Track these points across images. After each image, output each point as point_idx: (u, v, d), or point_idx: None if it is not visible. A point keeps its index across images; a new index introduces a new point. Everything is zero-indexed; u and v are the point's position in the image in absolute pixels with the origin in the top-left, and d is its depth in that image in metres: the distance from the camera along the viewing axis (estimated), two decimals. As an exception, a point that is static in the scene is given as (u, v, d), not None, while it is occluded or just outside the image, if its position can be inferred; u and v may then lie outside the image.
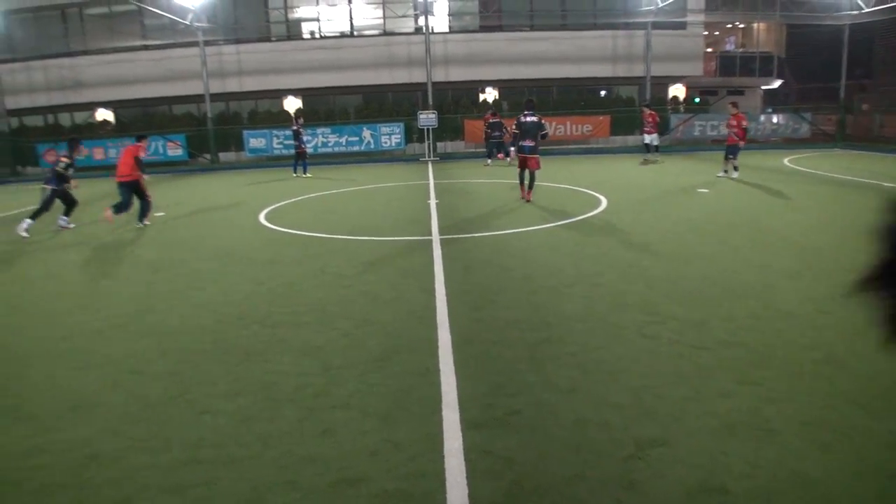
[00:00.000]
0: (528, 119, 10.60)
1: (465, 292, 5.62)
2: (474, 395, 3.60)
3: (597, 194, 11.53)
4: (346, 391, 3.73)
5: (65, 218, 10.61)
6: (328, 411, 3.49)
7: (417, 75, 24.28)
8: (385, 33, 25.20)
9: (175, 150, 24.25)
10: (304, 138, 18.06)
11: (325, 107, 25.74)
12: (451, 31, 25.41)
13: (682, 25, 25.55)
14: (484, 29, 25.33)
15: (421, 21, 23.84)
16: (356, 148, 23.35)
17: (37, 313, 5.76)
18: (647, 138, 18.38)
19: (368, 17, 25.61)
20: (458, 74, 24.97)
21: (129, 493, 2.83)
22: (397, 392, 3.68)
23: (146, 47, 25.67)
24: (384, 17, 25.09)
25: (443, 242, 7.77)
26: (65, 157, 10.39)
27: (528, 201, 10.84)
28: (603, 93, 27.17)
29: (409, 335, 4.63)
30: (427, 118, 21.65)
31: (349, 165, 21.50)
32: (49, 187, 10.18)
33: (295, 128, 17.56)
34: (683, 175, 14.98)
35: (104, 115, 26.89)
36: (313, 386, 3.83)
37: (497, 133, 18.96)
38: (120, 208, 10.17)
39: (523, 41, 24.92)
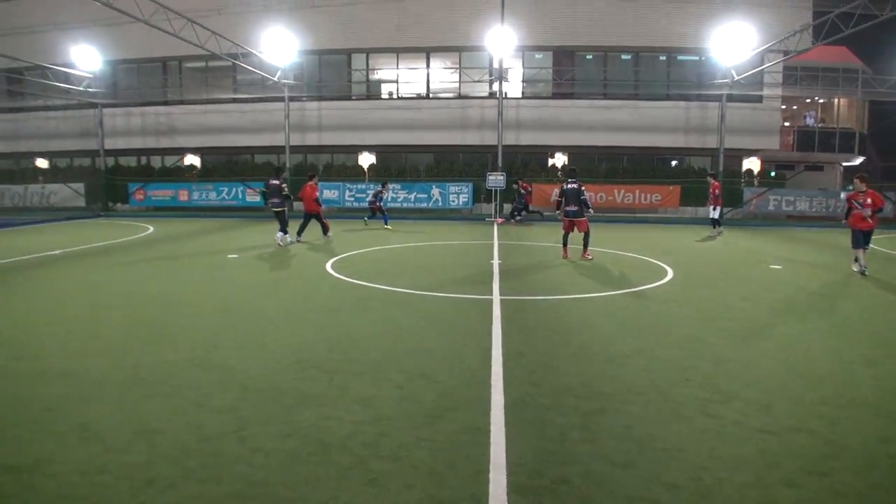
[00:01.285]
0: (570, 186, 11.69)
1: (521, 355, 5.59)
2: (523, 459, 3.54)
3: (662, 264, 11.32)
4: (396, 443, 3.74)
5: (280, 234, 14.05)
6: (376, 461, 3.51)
7: (489, 138, 24.89)
8: (460, 96, 26.08)
9: (253, 197, 25.46)
10: (384, 197, 19.49)
11: (397, 164, 26.64)
12: (524, 96, 26.07)
13: (759, 99, 25.26)
14: (556, 96, 25.86)
15: (495, 86, 24.58)
16: (425, 205, 23.91)
17: (115, 341, 6.10)
18: (713, 212, 17.69)
19: (445, 80, 26.64)
20: (528, 139, 25.46)
21: (179, 523, 2.92)
22: (447, 449, 3.67)
23: (235, 100, 27.47)
24: (460, 82, 26.02)
25: (503, 303, 7.78)
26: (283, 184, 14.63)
27: (589, 259, 11.60)
28: (674, 163, 26.95)
29: (462, 393, 4.62)
30: (495, 180, 22.03)
31: (417, 221, 21.98)
32: (279, 208, 14.31)
33: (380, 191, 19.17)
34: (755, 249, 14.52)
35: (192, 159, 28.72)
36: (364, 435, 3.87)
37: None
38: (299, 231, 14.98)
39: (595, 109, 25.25)
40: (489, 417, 4.12)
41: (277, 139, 26.12)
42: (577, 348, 5.83)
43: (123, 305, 7.83)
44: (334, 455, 3.60)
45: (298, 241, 14.79)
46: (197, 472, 3.39)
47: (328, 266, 10.94)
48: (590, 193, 23.32)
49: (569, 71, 25.56)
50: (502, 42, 21.70)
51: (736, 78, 23.14)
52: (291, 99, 25.63)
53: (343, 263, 11.31)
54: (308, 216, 15.31)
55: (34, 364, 5.39)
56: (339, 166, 26.75)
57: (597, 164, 25.81)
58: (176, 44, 20.13)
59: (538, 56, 26.13)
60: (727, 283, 9.86)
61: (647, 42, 24.84)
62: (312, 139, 26.67)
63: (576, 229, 11.78)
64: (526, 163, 26.02)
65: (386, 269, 10.71)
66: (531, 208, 22.43)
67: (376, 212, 18.87)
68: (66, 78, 26.42)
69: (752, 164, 26.54)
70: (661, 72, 25.87)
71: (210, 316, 7.19)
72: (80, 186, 27.93)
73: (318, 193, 15.56)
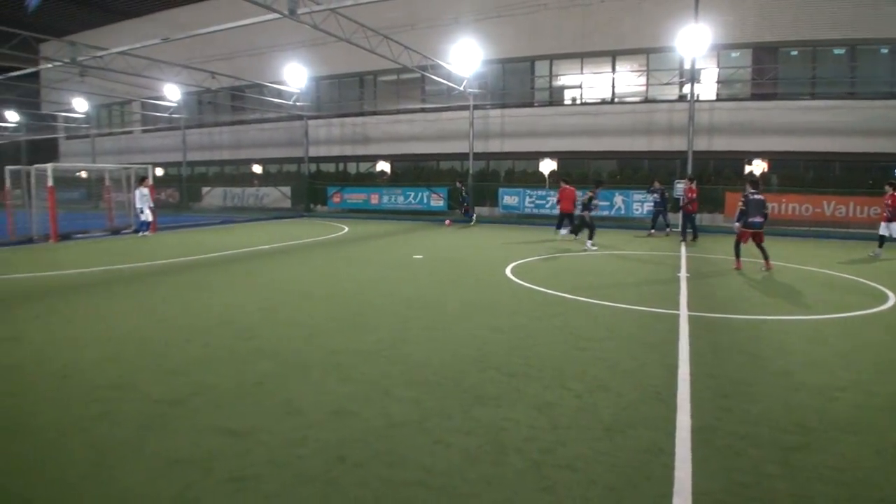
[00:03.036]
0: (756, 197, 11.31)
1: (710, 376, 5.20)
2: (711, 489, 3.29)
3: (882, 287, 9.83)
4: (573, 453, 3.68)
5: (589, 241, 15.18)
6: (553, 469, 3.49)
7: (678, 143, 23.51)
8: (647, 100, 24.98)
9: (437, 202, 26.69)
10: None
11: (578, 170, 26.20)
12: (719, 98, 24.21)
13: None
14: (756, 97, 23.64)
15: (686, 89, 23.17)
16: (606, 213, 23.24)
17: (315, 328, 6.74)
18: (884, 228, 13.97)
19: (631, 84, 25.68)
20: (722, 144, 23.59)
21: (366, 499, 3.17)
22: (626, 466, 3.53)
23: (423, 109, 28.98)
24: (647, 85, 24.92)
25: (690, 319, 7.30)
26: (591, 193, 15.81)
27: (769, 270, 11.19)
28: (902, 171, 23.30)
29: (644, 410, 4.42)
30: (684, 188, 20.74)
31: (597, 230, 21.41)
32: (583, 213, 15.71)
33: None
34: None
35: (383, 166, 30.84)
36: (541, 441, 3.86)
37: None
38: (574, 231, 16.55)
39: (801, 111, 22.65)
40: (674, 439, 3.89)
41: (461, 146, 27.08)
42: (777, 375, 5.29)
43: (322, 297, 8.63)
44: (511, 457, 3.64)
45: (571, 238, 16.65)
46: (383, 456, 3.64)
47: (508, 271, 11.09)
48: (793, 204, 21.14)
49: (770, 69, 23.27)
50: (695, 41, 20.37)
51: None
52: (476, 107, 26.43)
53: (523, 268, 11.39)
54: (563, 215, 16.99)
55: (249, 343, 6.15)
56: (520, 173, 27.01)
57: (802, 171, 23.18)
58: (372, 59, 21.78)
59: (735, 54, 24.08)
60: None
61: (867, 33, 21.77)
62: (495, 146, 27.24)
63: (750, 241, 11.50)
64: (719, 170, 24.15)
65: (566, 276, 10.60)
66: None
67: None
68: (279, 94, 30.02)
69: None
70: (883, 67, 22.53)
71: (397, 311, 7.65)
72: (287, 189, 31.43)
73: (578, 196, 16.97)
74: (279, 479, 3.37)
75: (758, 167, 23.96)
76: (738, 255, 11.65)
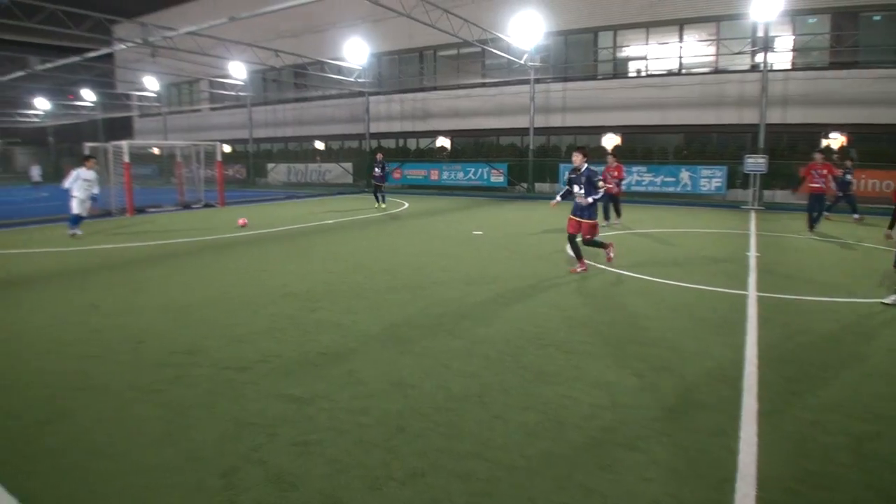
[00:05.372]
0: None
1: (779, 360, 5.00)
2: (777, 475, 3.19)
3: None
4: (634, 433, 3.64)
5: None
6: (612, 447, 3.46)
7: (749, 116, 22.44)
8: (716, 71, 23.87)
9: (497, 178, 26.51)
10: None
11: (643, 145, 25.45)
12: (794, 67, 22.88)
13: None
14: (834, 66, 22.20)
15: (759, 58, 22.01)
16: (671, 189, 22.54)
17: (376, 300, 6.87)
18: None
19: (699, 54, 24.58)
20: (797, 116, 22.35)
21: (423, 468, 3.23)
22: (689, 448, 3.46)
23: (483, 84, 28.66)
24: (717, 55, 23.80)
25: (759, 300, 7.02)
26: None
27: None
28: None
29: (708, 391, 4.31)
30: (755, 163, 19.84)
31: (661, 206, 20.86)
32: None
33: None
34: None
35: (443, 142, 30.79)
36: (601, 419, 3.83)
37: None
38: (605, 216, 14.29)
39: (883, 80, 21.11)
40: (739, 423, 3.78)
41: (521, 121, 26.70)
42: (851, 360, 5.04)
43: (383, 270, 8.76)
44: (570, 434, 3.62)
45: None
46: (442, 428, 3.69)
47: (569, 248, 10.92)
48: (873, 181, 19.85)
49: (850, 36, 21.77)
50: (769, 7, 19.23)
51: None
52: (537, 81, 25.96)
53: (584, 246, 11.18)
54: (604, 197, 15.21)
55: (313, 314, 6.32)
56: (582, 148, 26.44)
57: (885, 145, 21.74)
58: (432, 34, 21.64)
59: (812, 20, 22.62)
60: None
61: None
62: (556, 120, 26.72)
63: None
64: (793, 144, 22.95)
65: (628, 255, 10.35)
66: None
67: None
68: (340, 70, 30.29)
69: None
70: None
71: (457, 286, 7.69)
72: (349, 166, 31.85)
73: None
74: (341, 445, 3.47)
75: (835, 141, 22.66)
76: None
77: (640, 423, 3.77)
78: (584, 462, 3.30)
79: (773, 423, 3.79)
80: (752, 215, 17.63)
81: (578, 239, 8.83)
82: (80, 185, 12.48)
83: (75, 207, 12.47)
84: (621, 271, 8.70)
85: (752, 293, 7.38)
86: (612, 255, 9.27)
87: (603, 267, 9.04)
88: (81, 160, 13.10)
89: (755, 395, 4.20)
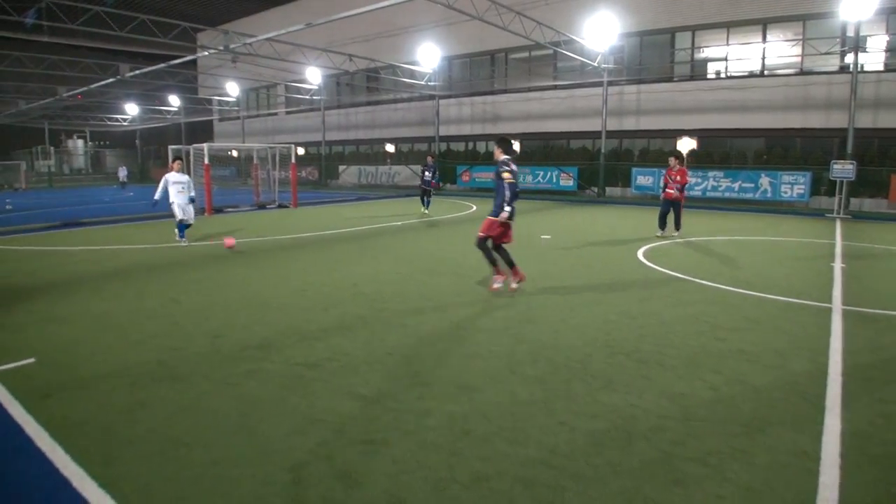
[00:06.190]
0: None
1: (868, 379, 4.70)
2: (860, 500, 3.00)
3: None
4: (706, 448, 3.50)
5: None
6: (683, 462, 3.34)
7: (836, 120, 21.21)
8: (801, 72, 22.70)
9: (567, 181, 26.17)
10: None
11: (720, 149, 24.50)
12: (888, 69, 21.44)
13: None
14: (934, 67, 20.69)
15: (848, 58, 20.77)
16: (750, 195, 21.58)
17: (441, 302, 6.91)
18: None
19: (783, 55, 23.43)
20: (890, 120, 20.94)
21: (488, 473, 3.22)
22: (765, 467, 3.30)
23: (555, 87, 28.35)
24: (802, 55, 22.62)
25: (845, 314, 6.62)
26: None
27: None
28: None
29: (787, 409, 4.09)
30: (842, 169, 18.73)
31: (739, 213, 20.02)
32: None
33: None
34: None
35: (512, 144, 30.62)
36: (671, 431, 3.71)
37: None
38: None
39: None
40: (820, 444, 3.58)
41: (593, 124, 26.24)
42: (952, 380, 4.68)
43: (449, 272, 8.81)
44: (638, 445, 3.53)
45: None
46: (507, 433, 3.67)
47: (640, 253, 10.67)
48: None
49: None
50: (861, 4, 18.11)
51: None
52: (610, 83, 25.43)
53: (656, 252, 10.90)
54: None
55: (381, 314, 6.43)
56: (655, 151, 25.70)
57: None
58: (503, 36, 21.59)
59: (910, 18, 21.20)
60: None
61: None
62: (629, 124, 26.10)
63: None
64: (884, 150, 21.53)
65: (702, 262, 10.00)
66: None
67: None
68: (411, 74, 30.68)
69: None
70: None
71: (525, 290, 7.62)
72: (418, 168, 32.15)
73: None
74: (405, 446, 3.51)
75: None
76: None
77: (713, 437, 3.63)
78: (654, 475, 3.20)
79: (857, 445, 3.56)
80: (838, 224, 16.64)
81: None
82: (173, 189, 11.77)
83: (177, 213, 11.79)
84: (696, 279, 8.39)
85: (836, 306, 6.97)
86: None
87: (676, 274, 8.75)
88: (170, 164, 12.28)
89: (838, 415, 3.96)
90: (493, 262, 7.57)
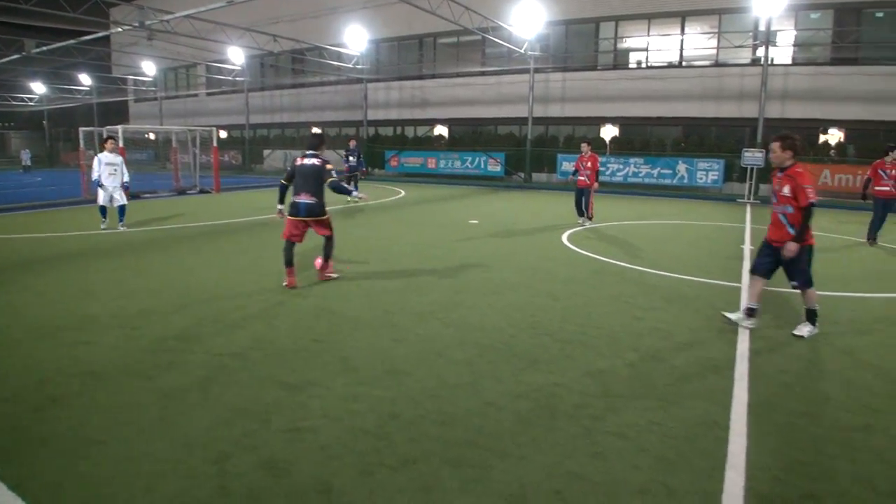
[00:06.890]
0: None
1: (772, 350, 5.04)
2: (766, 465, 3.21)
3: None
4: (624, 421, 3.66)
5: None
6: (603, 436, 3.48)
7: (748, 110, 22.43)
8: (717, 64, 23.83)
9: (494, 167, 26.47)
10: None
11: (640, 137, 25.41)
12: (795, 62, 22.84)
13: None
14: (836, 62, 22.16)
15: (759, 52, 21.95)
16: (668, 181, 22.54)
17: (370, 288, 6.86)
18: None
19: (700, 47, 24.50)
20: (796, 111, 22.34)
21: (416, 455, 3.23)
22: (678, 437, 3.48)
23: (483, 73, 28.55)
24: (718, 48, 23.72)
25: (752, 292, 7.04)
26: None
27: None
28: None
29: (700, 382, 4.33)
30: (752, 157, 19.84)
31: (658, 198, 20.87)
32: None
33: None
34: None
35: (440, 130, 30.70)
36: (592, 407, 3.84)
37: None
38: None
39: (884, 77, 21.10)
40: (730, 413, 3.81)
41: (520, 111, 26.62)
42: (844, 353, 5.07)
43: (378, 259, 8.75)
44: (561, 422, 3.64)
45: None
46: (434, 415, 3.70)
47: (564, 237, 10.95)
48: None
49: (852, 32, 21.73)
50: (771, 1, 19.18)
51: None
52: (536, 71, 25.85)
53: (579, 236, 11.22)
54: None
55: (307, 301, 6.32)
56: (580, 138, 26.32)
57: (882, 141, 21.69)
58: (432, 21, 21.49)
59: (814, 16, 22.56)
60: None
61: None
62: (555, 111, 26.65)
63: None
64: (791, 139, 22.89)
65: (622, 245, 10.38)
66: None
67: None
68: (338, 56, 30.11)
69: None
70: None
71: (453, 275, 7.69)
72: (343, 153, 31.74)
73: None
74: (333, 432, 3.48)
75: (833, 136, 22.69)
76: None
77: (630, 412, 3.79)
78: (576, 450, 3.31)
79: (763, 415, 3.81)
80: (748, 209, 17.66)
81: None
82: (105, 171, 11.20)
83: (100, 198, 11.37)
84: (617, 262, 8.71)
85: (745, 285, 7.39)
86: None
87: (598, 257, 9.05)
88: (100, 144, 11.45)
89: (745, 387, 4.22)
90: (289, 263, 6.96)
